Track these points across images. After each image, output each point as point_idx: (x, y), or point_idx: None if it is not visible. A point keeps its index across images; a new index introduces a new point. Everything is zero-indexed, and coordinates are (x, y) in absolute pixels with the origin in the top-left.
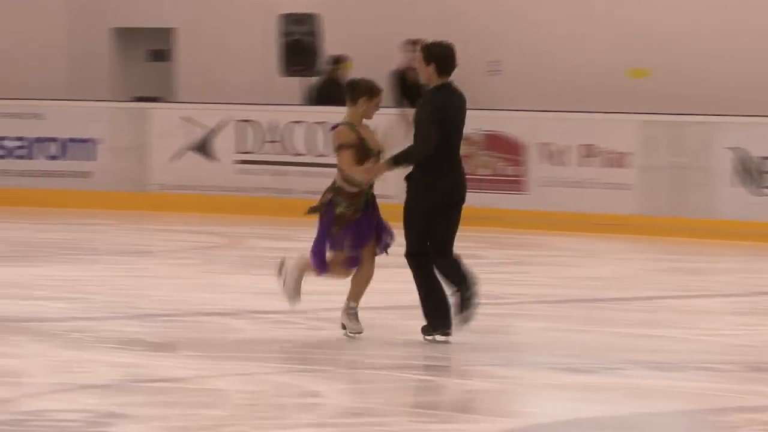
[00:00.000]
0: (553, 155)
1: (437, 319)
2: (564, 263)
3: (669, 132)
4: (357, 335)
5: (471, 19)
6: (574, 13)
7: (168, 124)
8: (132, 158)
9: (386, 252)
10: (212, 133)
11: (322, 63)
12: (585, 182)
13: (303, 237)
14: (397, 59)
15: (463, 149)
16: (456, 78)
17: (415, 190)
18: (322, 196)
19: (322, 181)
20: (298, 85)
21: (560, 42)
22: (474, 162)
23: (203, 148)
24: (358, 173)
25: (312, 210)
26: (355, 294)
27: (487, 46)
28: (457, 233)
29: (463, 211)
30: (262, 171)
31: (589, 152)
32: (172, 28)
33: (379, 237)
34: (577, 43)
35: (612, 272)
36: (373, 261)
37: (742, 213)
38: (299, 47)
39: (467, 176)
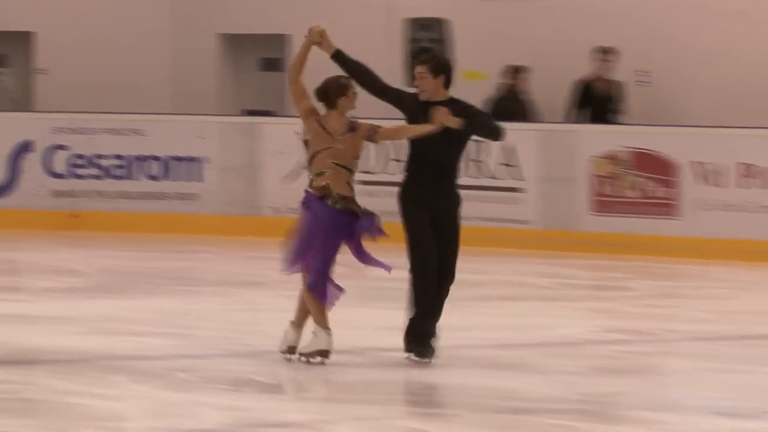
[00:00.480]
0: (709, 175)
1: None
2: (720, 295)
3: None
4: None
5: (617, 25)
6: (733, 18)
7: (282, 140)
8: (242, 178)
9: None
10: None
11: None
12: (744, 205)
13: None
14: (539, 69)
15: (609, 168)
16: None
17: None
18: (356, 205)
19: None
20: None
21: (717, 50)
22: (621, 183)
23: None
24: (431, 122)
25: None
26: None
27: (634, 54)
28: (602, 262)
29: (609, 238)
30: (386, 193)
31: (748, 172)
32: (285, 34)
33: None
34: (735, 51)
35: None
36: None
37: None
38: None
39: (613, 198)
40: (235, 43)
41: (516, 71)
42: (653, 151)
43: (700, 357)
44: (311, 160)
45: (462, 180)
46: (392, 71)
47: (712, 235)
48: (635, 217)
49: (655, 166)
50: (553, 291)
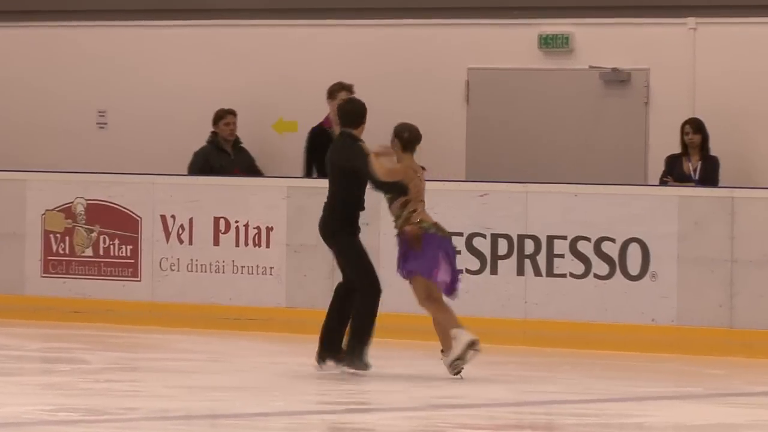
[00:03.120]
0: (176, 231)
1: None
2: (186, 368)
3: None
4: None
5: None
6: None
7: None
8: None
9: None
10: None
11: None
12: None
13: None
14: None
15: (63, 224)
16: None
17: None
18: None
19: None
20: None
21: None
22: (74, 240)
23: None
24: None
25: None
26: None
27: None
28: (54, 331)
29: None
30: None
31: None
32: None
33: None
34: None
35: None
36: None
37: None
38: None
39: (65, 258)
40: None
41: (220, 116)
42: (115, 203)
43: None
44: (406, 203)
45: None
46: None
47: (176, 299)
48: (90, 278)
49: (115, 220)
50: None
